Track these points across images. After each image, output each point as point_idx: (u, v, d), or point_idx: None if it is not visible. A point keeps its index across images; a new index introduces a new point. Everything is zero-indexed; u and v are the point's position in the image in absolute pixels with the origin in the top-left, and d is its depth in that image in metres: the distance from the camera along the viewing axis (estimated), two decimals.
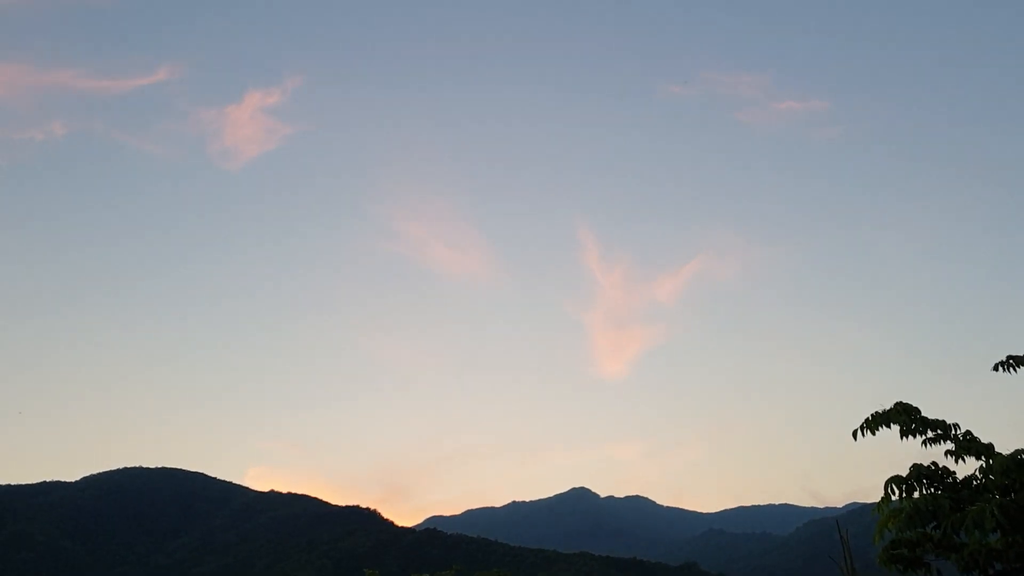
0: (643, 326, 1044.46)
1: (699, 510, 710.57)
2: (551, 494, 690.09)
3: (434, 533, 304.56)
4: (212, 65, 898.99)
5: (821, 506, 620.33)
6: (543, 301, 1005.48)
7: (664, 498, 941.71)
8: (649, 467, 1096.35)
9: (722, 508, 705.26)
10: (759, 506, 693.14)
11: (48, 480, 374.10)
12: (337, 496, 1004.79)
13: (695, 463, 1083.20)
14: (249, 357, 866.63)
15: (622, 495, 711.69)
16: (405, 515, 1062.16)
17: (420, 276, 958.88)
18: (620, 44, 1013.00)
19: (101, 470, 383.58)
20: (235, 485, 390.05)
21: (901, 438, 15.14)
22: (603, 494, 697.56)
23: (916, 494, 14.56)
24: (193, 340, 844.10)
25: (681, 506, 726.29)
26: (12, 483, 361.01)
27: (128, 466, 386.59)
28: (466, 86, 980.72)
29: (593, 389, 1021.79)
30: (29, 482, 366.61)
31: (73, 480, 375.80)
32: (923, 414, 15.13)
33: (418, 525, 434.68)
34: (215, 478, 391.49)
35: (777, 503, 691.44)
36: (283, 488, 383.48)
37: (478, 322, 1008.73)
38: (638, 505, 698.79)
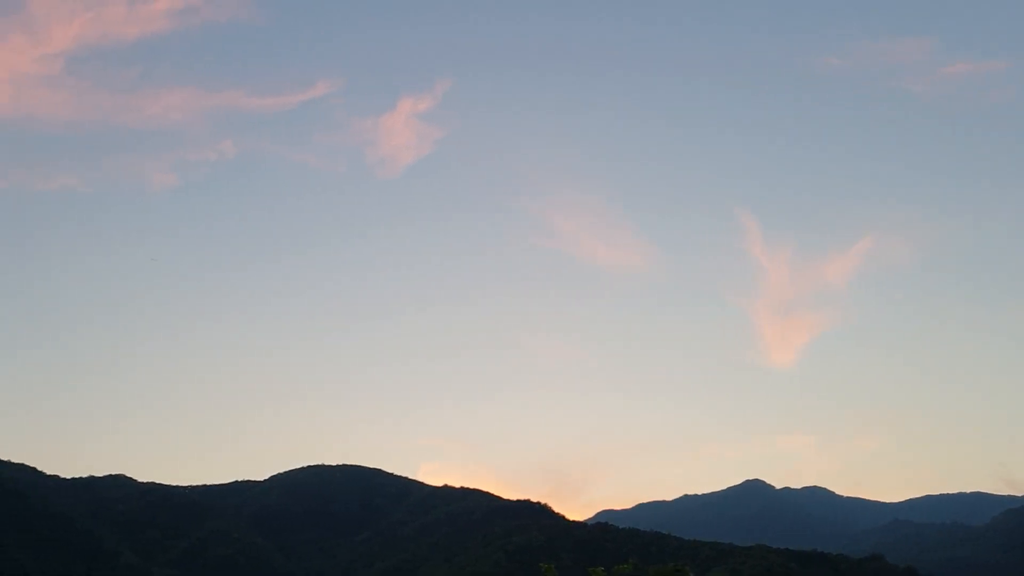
0: (812, 311, 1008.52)
1: (882, 500, 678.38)
2: (724, 487, 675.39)
3: (606, 527, 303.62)
4: (366, 75, 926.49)
5: (1020, 494, 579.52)
6: (704, 290, 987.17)
7: (843, 488, 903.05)
8: (825, 456, 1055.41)
9: (907, 497, 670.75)
10: (948, 495, 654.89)
11: (240, 480, 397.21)
12: (508, 491, 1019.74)
13: (875, 451, 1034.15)
14: (419, 357, 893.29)
15: (798, 486, 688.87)
16: (575, 509, 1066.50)
17: (578, 271, 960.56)
18: (768, 19, 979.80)
19: (287, 468, 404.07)
20: (411, 480, 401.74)
21: None
22: (778, 485, 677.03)
23: None
24: (367, 343, 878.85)
25: (862, 496, 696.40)
26: (209, 483, 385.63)
27: (311, 464, 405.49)
28: (614, 79, 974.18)
29: (762, 378, 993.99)
30: (223, 482, 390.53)
31: (262, 479, 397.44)
32: None
33: (589, 519, 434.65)
34: (392, 474, 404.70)
35: (968, 491, 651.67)
36: (456, 483, 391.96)
37: (639, 314, 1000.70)
38: (816, 496, 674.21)
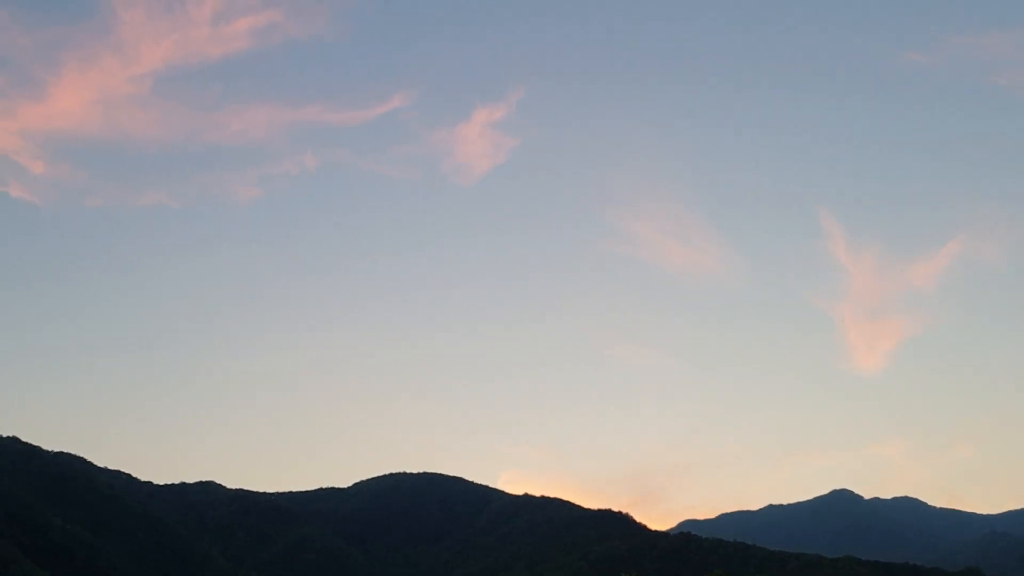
0: (900, 315, 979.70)
1: (977, 511, 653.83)
2: (810, 496, 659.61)
3: (689, 537, 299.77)
4: (440, 87, 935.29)
5: None
6: (787, 295, 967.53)
7: (936, 499, 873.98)
8: (917, 466, 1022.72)
9: (1006, 509, 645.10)
10: None
11: (324, 487, 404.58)
12: (588, 500, 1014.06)
13: (970, 461, 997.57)
14: (496, 363, 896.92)
15: (888, 496, 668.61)
16: (657, 519, 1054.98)
17: (658, 278, 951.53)
18: (849, 16, 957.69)
19: (370, 476, 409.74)
20: (492, 489, 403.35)
21: None
22: (867, 495, 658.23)
23: None
24: (446, 350, 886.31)
25: (957, 507, 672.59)
26: (294, 490, 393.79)
27: (393, 472, 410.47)
28: (689, 82, 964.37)
29: (848, 385, 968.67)
30: (308, 488, 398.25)
31: (345, 486, 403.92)
32: None
33: (671, 529, 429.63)
34: (473, 482, 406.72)
35: None
36: (536, 492, 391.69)
37: (721, 321, 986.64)
38: (908, 506, 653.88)
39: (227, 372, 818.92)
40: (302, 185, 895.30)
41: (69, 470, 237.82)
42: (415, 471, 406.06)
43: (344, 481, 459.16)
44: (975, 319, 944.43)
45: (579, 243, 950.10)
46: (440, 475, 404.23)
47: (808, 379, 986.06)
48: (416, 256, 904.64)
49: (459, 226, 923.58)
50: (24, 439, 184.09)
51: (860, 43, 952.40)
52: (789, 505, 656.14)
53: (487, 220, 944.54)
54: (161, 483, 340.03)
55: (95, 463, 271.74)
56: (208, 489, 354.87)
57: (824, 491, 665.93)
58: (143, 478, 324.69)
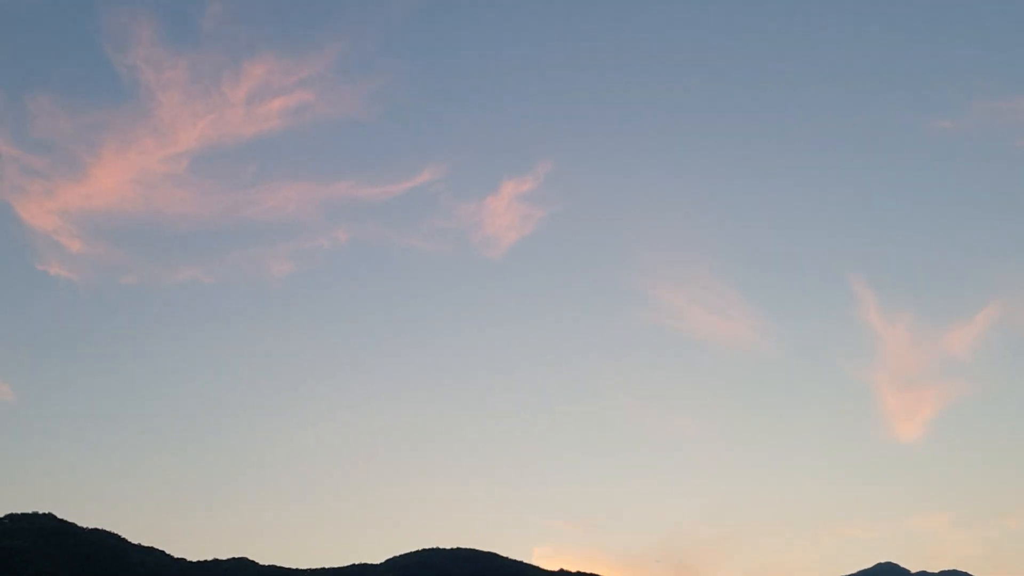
0: (938, 382, 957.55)
1: None
2: (854, 570, 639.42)
3: None
4: (469, 161, 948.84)
5: None
6: (819, 362, 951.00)
7: (986, 571, 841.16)
8: (964, 538, 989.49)
9: None
10: None
11: (357, 563, 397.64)
12: (625, 574, 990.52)
13: (1018, 532, 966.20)
14: (528, 436, 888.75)
15: (936, 569, 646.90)
16: None
17: (689, 346, 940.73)
18: (878, 84, 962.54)
19: (402, 551, 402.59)
20: (526, 564, 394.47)
21: None
22: (914, 568, 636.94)
23: None
24: (477, 423, 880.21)
25: None
26: (327, 566, 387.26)
27: (426, 547, 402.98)
28: (714, 149, 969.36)
29: (887, 454, 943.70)
30: (341, 564, 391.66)
31: (378, 562, 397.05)
32: None
33: None
34: (507, 558, 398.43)
35: None
36: (571, 567, 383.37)
37: (754, 389, 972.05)
38: None
39: (259, 446, 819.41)
40: (334, 259, 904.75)
41: (102, 547, 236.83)
42: (448, 546, 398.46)
43: (377, 557, 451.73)
44: (1015, 386, 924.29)
45: (608, 312, 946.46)
46: (473, 550, 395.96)
47: (845, 449, 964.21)
48: (446, 328, 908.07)
49: (488, 298, 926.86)
50: (60, 516, 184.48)
51: (887, 110, 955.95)
52: None
53: (516, 291, 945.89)
54: (194, 559, 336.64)
55: (128, 539, 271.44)
56: (241, 565, 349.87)
57: (868, 564, 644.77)
58: (176, 555, 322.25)
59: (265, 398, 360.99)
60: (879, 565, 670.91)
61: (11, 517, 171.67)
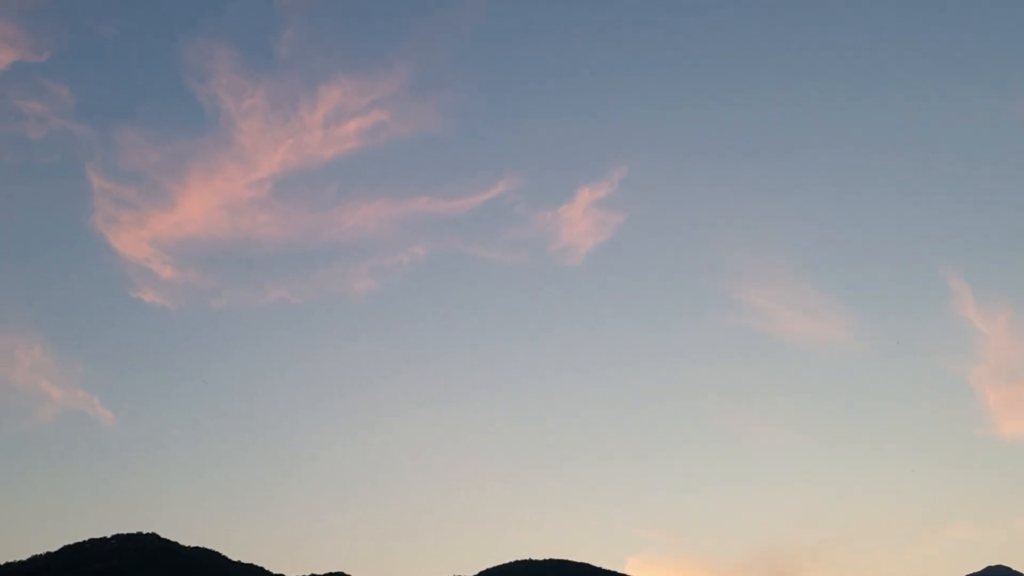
0: None
1: None
2: (961, 574, 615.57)
3: None
4: (543, 170, 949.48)
5: None
6: (917, 361, 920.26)
7: None
8: None
9: None
10: None
11: (450, 575, 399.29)
12: None
13: None
14: (617, 444, 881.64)
15: None
16: None
17: (779, 349, 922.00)
18: (971, 72, 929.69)
19: (495, 563, 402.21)
20: (619, 574, 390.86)
21: None
22: None
23: None
24: (566, 432, 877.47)
25: None
26: None
27: (519, 558, 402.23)
28: (799, 147, 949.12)
29: (991, 452, 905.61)
30: None
31: (471, 574, 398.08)
32: None
33: None
34: (600, 568, 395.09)
35: None
36: None
37: (848, 390, 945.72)
38: None
39: (353, 460, 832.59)
40: (414, 273, 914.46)
41: (204, 565, 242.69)
42: (540, 557, 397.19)
43: (470, 568, 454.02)
44: None
45: (694, 316, 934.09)
46: (566, 561, 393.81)
47: (946, 448, 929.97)
48: (529, 337, 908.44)
49: (569, 306, 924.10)
50: (163, 535, 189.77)
51: (976, 98, 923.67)
52: None
53: (596, 298, 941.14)
54: (293, 575, 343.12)
55: (229, 557, 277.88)
56: None
57: (978, 567, 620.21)
58: (275, 571, 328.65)
59: (356, 413, 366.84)
60: (989, 568, 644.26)
61: (117, 537, 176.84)
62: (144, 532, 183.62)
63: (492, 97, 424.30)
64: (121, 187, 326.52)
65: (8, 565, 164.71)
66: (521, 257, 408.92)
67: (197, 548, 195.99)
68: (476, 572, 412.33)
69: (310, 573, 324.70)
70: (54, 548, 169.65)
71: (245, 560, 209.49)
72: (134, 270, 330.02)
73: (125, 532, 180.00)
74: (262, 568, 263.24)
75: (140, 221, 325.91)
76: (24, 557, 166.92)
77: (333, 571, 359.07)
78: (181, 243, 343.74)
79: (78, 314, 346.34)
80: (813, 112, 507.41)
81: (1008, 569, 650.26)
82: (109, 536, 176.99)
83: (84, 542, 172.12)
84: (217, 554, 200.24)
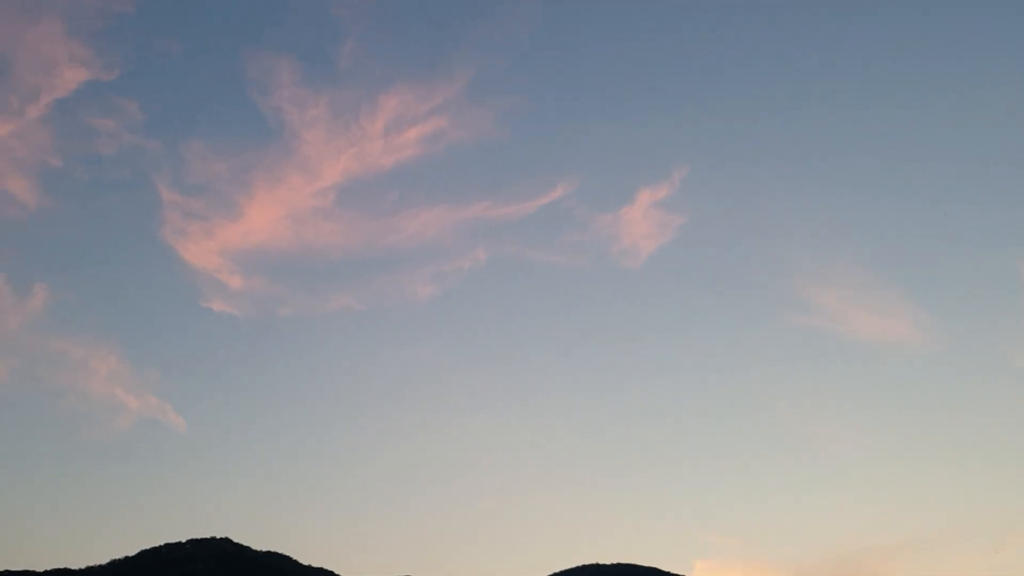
0: None
1: None
2: None
3: None
4: (603, 173, 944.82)
5: None
6: (991, 358, 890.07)
7: None
8: None
9: None
10: None
11: None
12: None
13: None
14: (684, 447, 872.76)
15: None
16: None
17: (848, 348, 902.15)
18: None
19: (563, 567, 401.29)
20: None
21: None
22: None
23: None
24: (632, 436, 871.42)
25: None
26: None
27: (586, 563, 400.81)
28: (861, 142, 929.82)
29: None
30: None
31: None
32: None
33: None
34: (668, 572, 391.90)
35: None
36: None
37: (920, 389, 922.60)
38: None
39: (419, 464, 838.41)
40: (475, 278, 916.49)
41: (276, 569, 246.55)
42: (608, 561, 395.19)
43: (537, 572, 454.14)
44: None
45: (760, 318, 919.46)
46: (634, 565, 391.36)
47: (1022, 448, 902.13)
48: (591, 341, 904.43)
49: (631, 309, 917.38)
50: (235, 540, 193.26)
51: None
52: None
53: (659, 301, 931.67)
54: None
55: (300, 561, 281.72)
56: None
57: None
58: (344, 574, 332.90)
59: (421, 418, 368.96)
60: None
61: (192, 542, 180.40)
62: (217, 537, 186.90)
63: (549, 100, 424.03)
64: (189, 199, 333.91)
65: (89, 569, 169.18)
66: (581, 261, 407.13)
67: (269, 552, 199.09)
68: None
69: None
70: (132, 552, 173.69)
71: (315, 564, 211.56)
72: (203, 280, 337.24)
73: (199, 537, 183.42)
74: (331, 572, 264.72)
75: (208, 232, 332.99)
76: (104, 561, 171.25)
77: (401, 575, 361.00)
78: (248, 253, 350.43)
79: (151, 324, 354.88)
80: (880, 108, 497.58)
81: None
82: (184, 541, 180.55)
83: (160, 547, 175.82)
84: (288, 558, 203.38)
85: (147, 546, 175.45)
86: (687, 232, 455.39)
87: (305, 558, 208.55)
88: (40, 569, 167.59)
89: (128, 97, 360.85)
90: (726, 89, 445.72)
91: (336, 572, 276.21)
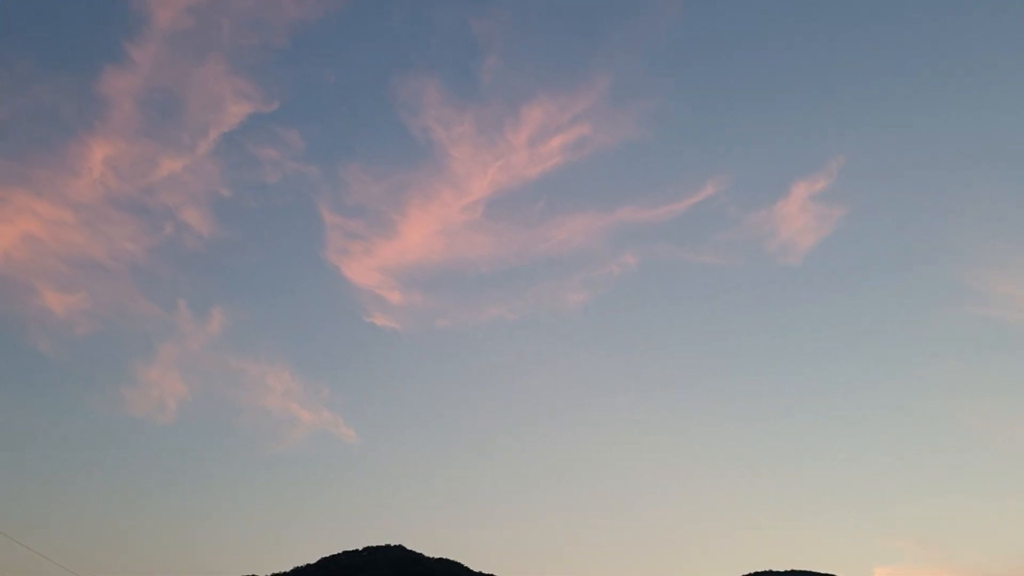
0: None
1: None
2: None
3: None
4: (754, 167, 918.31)
5: None
6: None
7: None
8: None
9: None
10: None
11: None
12: None
13: None
14: (858, 448, 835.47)
15: None
16: None
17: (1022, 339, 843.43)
18: None
19: (733, 575, 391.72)
20: None
21: None
22: None
23: None
24: (804, 438, 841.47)
25: None
26: None
27: (759, 570, 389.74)
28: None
29: None
30: None
31: None
32: None
33: None
34: None
35: None
36: None
37: None
38: None
39: (583, 472, 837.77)
40: (626, 283, 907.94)
41: (448, 575, 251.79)
42: (781, 568, 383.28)
43: None
44: None
45: (934, 309, 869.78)
46: (809, 572, 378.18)
47: None
48: (752, 342, 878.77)
49: (792, 306, 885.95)
50: (408, 547, 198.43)
51: None
52: None
53: (822, 296, 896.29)
54: None
55: (470, 567, 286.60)
56: None
57: None
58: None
59: (582, 425, 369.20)
60: None
61: (368, 550, 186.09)
62: (392, 544, 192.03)
63: (693, 97, 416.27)
64: (349, 220, 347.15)
65: None
66: (735, 259, 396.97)
67: (440, 559, 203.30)
68: None
69: None
70: (313, 560, 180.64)
71: (486, 571, 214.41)
72: (366, 297, 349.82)
73: (374, 544, 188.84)
74: (459, 562, 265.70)
75: (368, 251, 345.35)
76: (287, 568, 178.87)
77: None
78: (405, 269, 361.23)
79: (319, 341, 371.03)
80: None
81: None
82: (361, 549, 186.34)
83: (339, 554, 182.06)
84: (459, 564, 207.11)
85: (327, 554, 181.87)
86: (849, 224, 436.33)
87: (475, 564, 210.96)
88: None
89: (288, 127, 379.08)
90: (880, 69, 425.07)
91: (461, 562, 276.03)
